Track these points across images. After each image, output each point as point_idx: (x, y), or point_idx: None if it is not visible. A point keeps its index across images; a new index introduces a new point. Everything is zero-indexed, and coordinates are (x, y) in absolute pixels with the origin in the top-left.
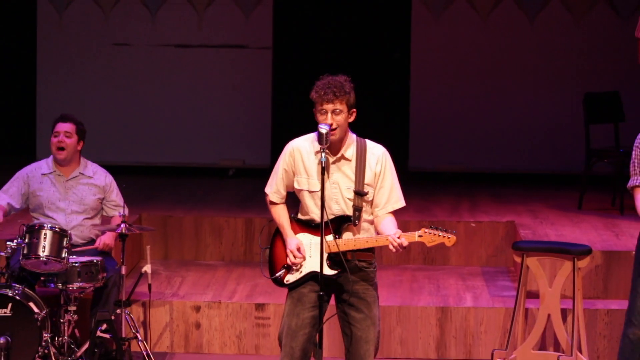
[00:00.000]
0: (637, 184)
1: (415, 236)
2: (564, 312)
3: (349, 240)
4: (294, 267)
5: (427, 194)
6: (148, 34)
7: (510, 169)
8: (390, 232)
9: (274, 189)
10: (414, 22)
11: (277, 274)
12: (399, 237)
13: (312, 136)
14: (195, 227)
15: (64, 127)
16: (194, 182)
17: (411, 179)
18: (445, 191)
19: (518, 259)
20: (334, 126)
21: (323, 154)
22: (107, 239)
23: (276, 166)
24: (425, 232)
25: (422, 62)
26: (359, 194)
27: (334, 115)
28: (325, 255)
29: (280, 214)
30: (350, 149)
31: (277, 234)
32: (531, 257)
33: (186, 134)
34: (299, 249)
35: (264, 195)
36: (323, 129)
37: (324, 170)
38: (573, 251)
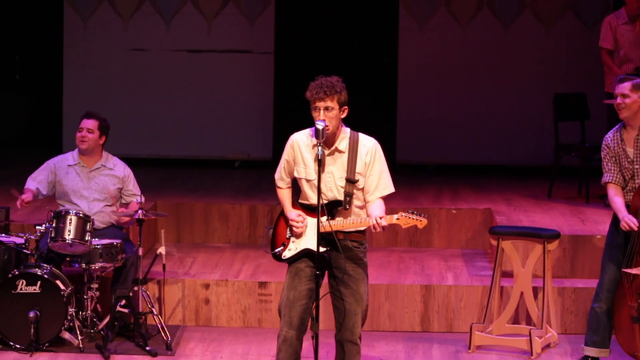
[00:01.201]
0: (607, 180)
1: (393, 218)
2: (535, 290)
3: (338, 221)
4: (299, 233)
5: (413, 184)
6: (163, 40)
7: (487, 161)
8: (374, 214)
9: (279, 176)
10: (401, 30)
11: (277, 250)
12: (380, 218)
13: (309, 130)
14: (205, 213)
15: (87, 123)
16: (203, 173)
17: (399, 170)
18: (430, 181)
19: (494, 242)
20: (327, 123)
21: (319, 148)
22: (123, 217)
23: (282, 157)
24: (402, 216)
25: (409, 66)
26: (350, 181)
27: (326, 112)
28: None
29: (284, 195)
30: (343, 142)
31: (280, 216)
32: (506, 240)
33: (197, 129)
34: (299, 216)
35: (273, 182)
36: (320, 125)
37: (320, 162)
38: (543, 235)
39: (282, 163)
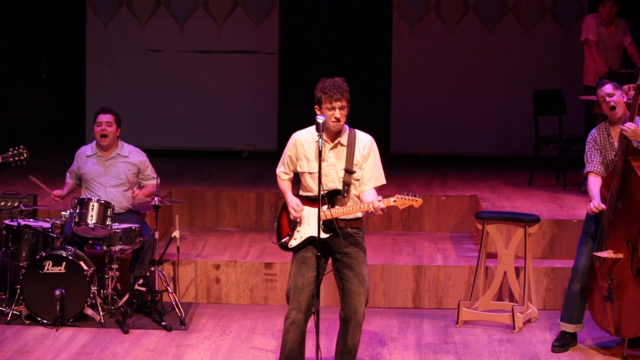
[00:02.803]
0: (589, 170)
1: (390, 201)
2: (517, 270)
3: (338, 209)
4: (297, 222)
5: (406, 173)
6: (177, 42)
7: (473, 152)
8: (369, 199)
9: (282, 170)
10: (394, 32)
11: (283, 240)
12: (379, 200)
13: (312, 128)
14: (216, 200)
15: (105, 117)
16: (214, 163)
17: (392, 160)
18: (421, 170)
19: (480, 226)
20: (341, 120)
21: (320, 140)
22: (140, 191)
23: (284, 152)
24: (398, 197)
25: (401, 65)
26: (348, 171)
27: (340, 111)
28: (320, 222)
29: (285, 185)
30: (344, 137)
31: (283, 209)
32: (490, 224)
33: (207, 123)
34: (298, 205)
35: (275, 174)
36: (320, 119)
37: (321, 153)
38: (525, 220)
39: (285, 159)
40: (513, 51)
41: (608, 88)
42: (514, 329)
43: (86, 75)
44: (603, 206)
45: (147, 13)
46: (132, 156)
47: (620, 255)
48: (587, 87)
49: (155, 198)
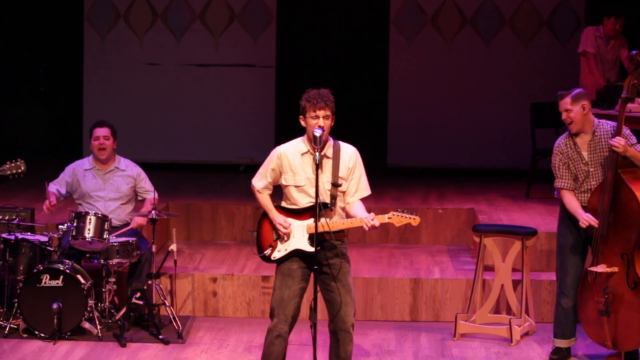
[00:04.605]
0: (561, 186)
1: (385, 218)
2: (514, 283)
3: (326, 222)
4: (284, 237)
5: (403, 185)
6: (174, 55)
7: (471, 164)
8: (363, 215)
9: (263, 184)
10: (391, 45)
11: (265, 252)
12: (372, 219)
13: (297, 141)
14: (213, 213)
15: (102, 131)
16: (211, 176)
17: (389, 173)
18: (418, 183)
19: (477, 239)
20: (325, 130)
21: (317, 154)
22: (140, 220)
23: (264, 166)
24: (394, 215)
25: (398, 78)
26: (335, 185)
27: (324, 120)
28: (306, 235)
29: (267, 201)
30: (330, 149)
31: (262, 218)
32: (488, 237)
33: (205, 136)
34: (285, 221)
35: (251, 186)
36: (317, 132)
37: (318, 166)
38: (522, 232)
39: (268, 172)
40: (510, 64)
41: (565, 103)
42: (512, 342)
43: (83, 88)
44: (595, 220)
45: (144, 26)
46: (129, 169)
47: (615, 269)
48: None
49: (153, 211)
